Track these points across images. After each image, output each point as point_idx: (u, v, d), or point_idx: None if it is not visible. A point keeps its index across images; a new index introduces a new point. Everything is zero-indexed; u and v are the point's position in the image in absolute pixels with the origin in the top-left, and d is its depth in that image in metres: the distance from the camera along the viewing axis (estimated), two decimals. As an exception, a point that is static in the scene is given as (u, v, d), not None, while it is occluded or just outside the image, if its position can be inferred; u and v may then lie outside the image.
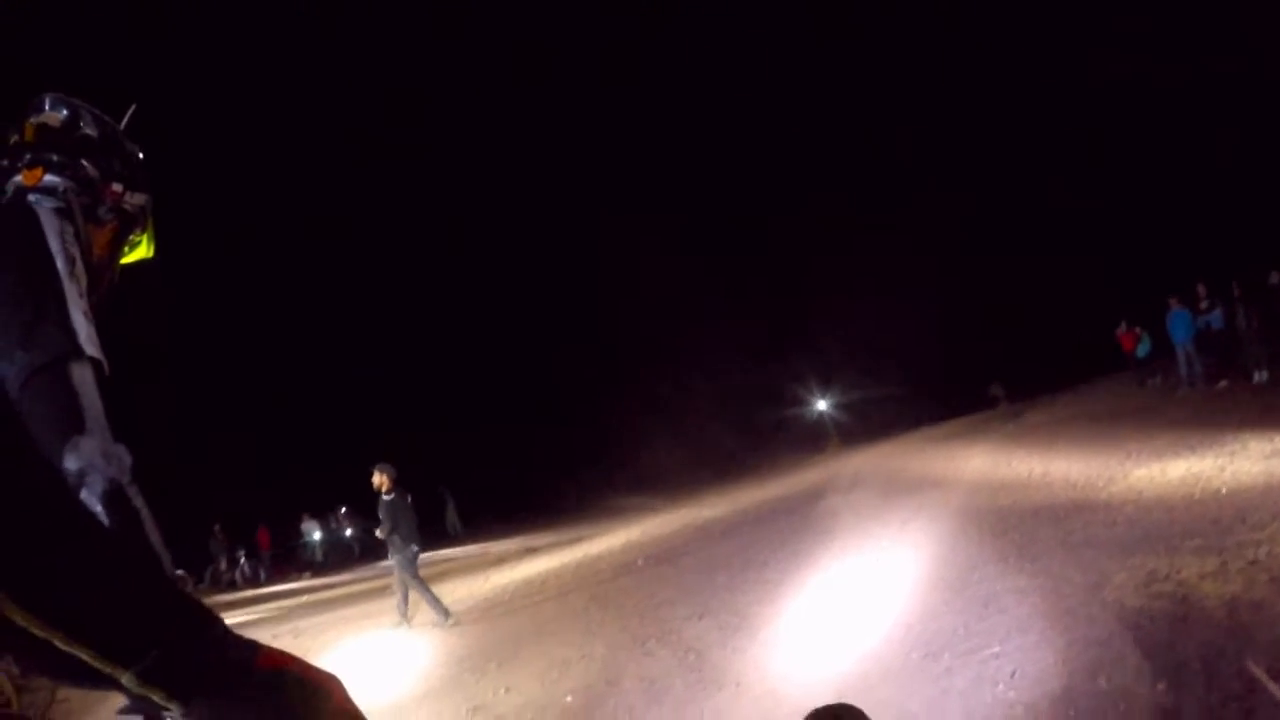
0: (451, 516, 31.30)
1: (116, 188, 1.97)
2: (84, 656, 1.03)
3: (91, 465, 1.42)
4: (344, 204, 41.95)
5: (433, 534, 30.65)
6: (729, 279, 36.90)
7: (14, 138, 1.92)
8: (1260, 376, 17.13)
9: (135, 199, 2.03)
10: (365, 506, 30.58)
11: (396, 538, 10.79)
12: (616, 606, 9.42)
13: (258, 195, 37.94)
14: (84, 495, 1.40)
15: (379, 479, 11.08)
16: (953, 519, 9.89)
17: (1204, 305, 18.55)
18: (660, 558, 12.26)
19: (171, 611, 1.10)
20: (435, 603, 10.80)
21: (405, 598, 10.92)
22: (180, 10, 35.56)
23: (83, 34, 31.12)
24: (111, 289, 1.99)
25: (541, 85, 45.96)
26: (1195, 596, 5.33)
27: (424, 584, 11.03)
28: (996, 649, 5.30)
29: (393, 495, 10.99)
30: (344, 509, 30.73)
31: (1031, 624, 5.56)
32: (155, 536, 1.49)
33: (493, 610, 11.28)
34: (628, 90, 44.51)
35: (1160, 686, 4.26)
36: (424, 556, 11.61)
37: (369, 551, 29.36)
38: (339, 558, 29.16)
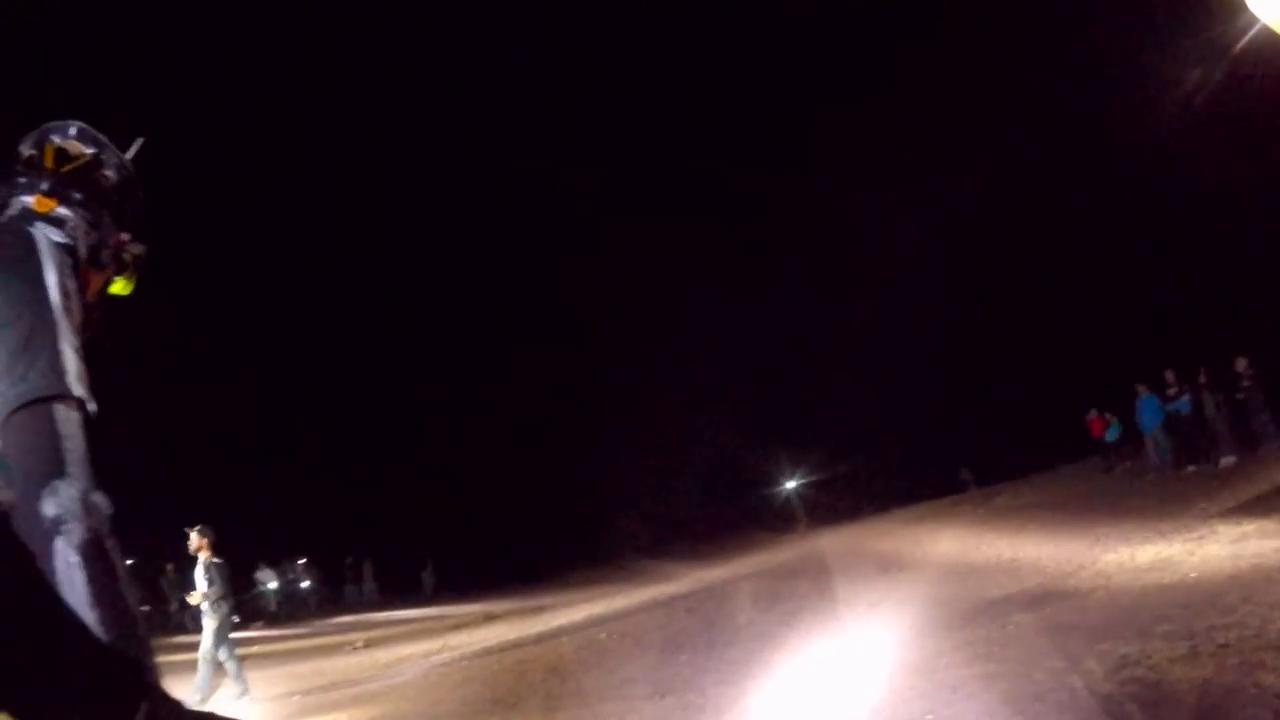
0: (429, 576, 30.96)
1: (124, 236, 1.97)
2: None
3: (70, 513, 1.34)
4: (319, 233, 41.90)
5: (409, 592, 30.34)
6: (702, 357, 36.94)
7: (30, 153, 1.90)
8: (1227, 462, 17.25)
9: (136, 248, 2.01)
10: (326, 557, 30.46)
11: (224, 605, 10.26)
12: (576, 681, 9.18)
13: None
14: (59, 544, 1.32)
15: (197, 542, 10.45)
16: (921, 603, 9.77)
17: (1172, 392, 18.73)
18: (623, 633, 12.03)
19: (138, 701, 1.02)
20: (240, 675, 10.26)
21: (211, 673, 10.21)
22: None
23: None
24: (96, 330, 1.92)
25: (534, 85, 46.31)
26: (1166, 682, 5.24)
27: (235, 655, 10.46)
28: (964, 735, 5.16)
29: (217, 560, 10.44)
30: (302, 560, 30.22)
31: (1000, 711, 5.42)
32: (131, 593, 1.40)
33: (449, 677, 10.98)
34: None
35: (1131, 775, 4.14)
36: (382, 616, 11.30)
37: (326, 606, 28.90)
38: (294, 609, 28.57)
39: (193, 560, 10.73)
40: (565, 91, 46.17)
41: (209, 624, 10.22)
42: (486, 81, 47.47)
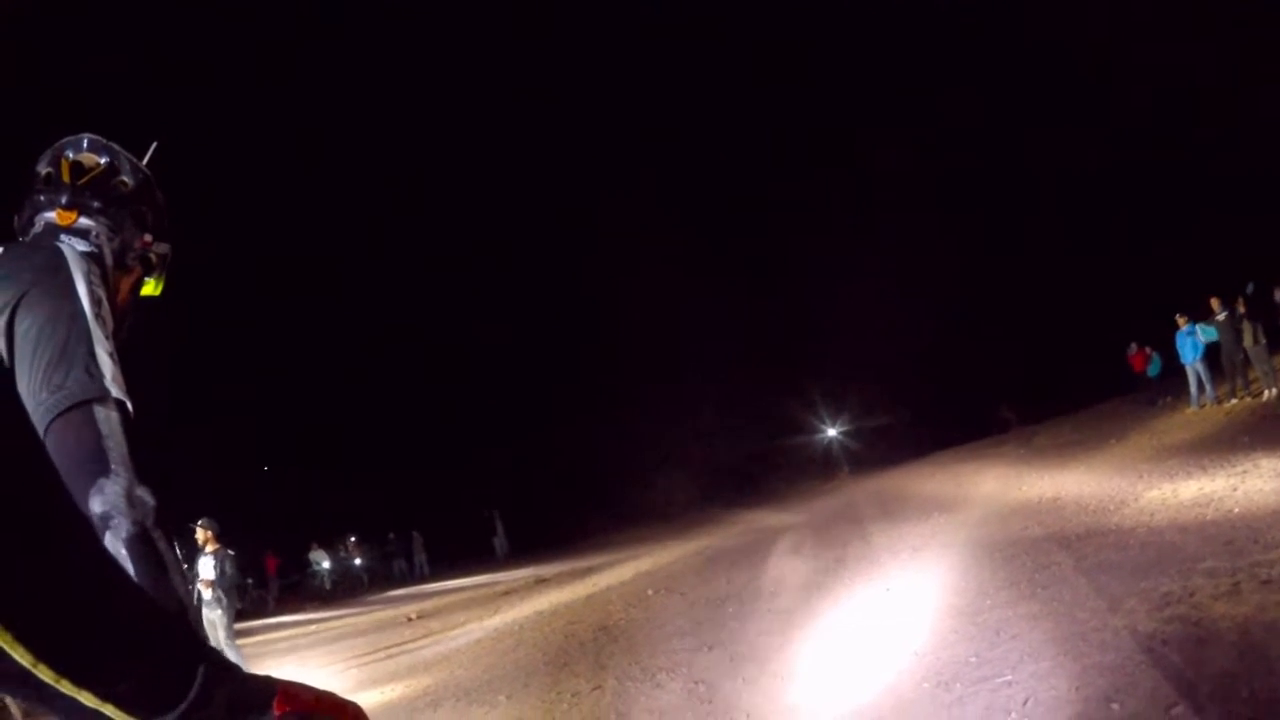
0: (501, 540, 31.37)
1: (147, 238, 2.02)
2: (108, 712, 1.01)
3: (116, 509, 1.41)
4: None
5: (481, 557, 30.83)
6: (737, 309, 36.97)
7: (46, 170, 1.95)
8: (1270, 394, 17.05)
9: (160, 248, 2.07)
10: (375, 535, 30.98)
11: (223, 595, 10.15)
12: (627, 638, 9.34)
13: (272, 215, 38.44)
14: (108, 539, 1.39)
15: (203, 535, 10.37)
16: (964, 545, 9.83)
17: (1222, 317, 18.36)
18: (670, 588, 12.19)
19: (196, 664, 1.09)
20: None
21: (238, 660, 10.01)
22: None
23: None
24: (130, 332, 2.00)
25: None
26: (1208, 619, 5.27)
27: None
28: (1009, 676, 5.23)
29: (229, 552, 10.39)
30: (353, 538, 30.64)
31: (1044, 650, 5.50)
32: (180, 582, 1.48)
33: (502, 642, 11.20)
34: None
35: (1174, 711, 4.20)
36: (433, 587, 11.39)
37: (378, 582, 29.42)
38: (348, 588, 29.11)
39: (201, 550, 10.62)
40: (569, 94, 46.34)
41: (218, 615, 10.13)
42: (494, 83, 47.88)
